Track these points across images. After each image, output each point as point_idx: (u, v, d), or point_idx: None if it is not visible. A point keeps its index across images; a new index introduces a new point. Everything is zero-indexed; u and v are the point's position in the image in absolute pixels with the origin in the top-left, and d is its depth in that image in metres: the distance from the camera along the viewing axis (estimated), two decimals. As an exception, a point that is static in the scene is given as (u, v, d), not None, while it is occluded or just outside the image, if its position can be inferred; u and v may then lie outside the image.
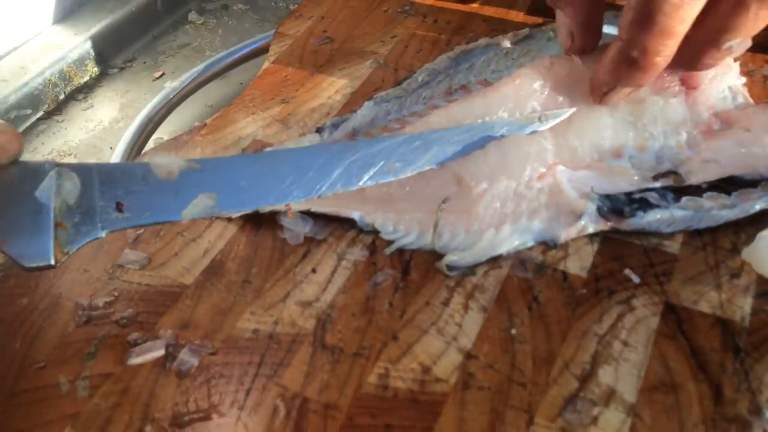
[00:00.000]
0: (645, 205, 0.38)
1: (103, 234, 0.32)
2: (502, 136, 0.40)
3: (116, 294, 0.38)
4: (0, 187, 0.31)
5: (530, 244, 0.39)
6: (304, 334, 0.35)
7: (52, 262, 0.30)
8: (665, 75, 0.46)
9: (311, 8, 0.60)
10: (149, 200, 0.34)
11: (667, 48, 0.36)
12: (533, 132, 0.41)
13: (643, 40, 0.36)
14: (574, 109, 0.42)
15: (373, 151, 0.38)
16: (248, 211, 0.41)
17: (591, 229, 0.38)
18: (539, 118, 0.42)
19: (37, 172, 0.32)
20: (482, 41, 0.52)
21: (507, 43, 0.50)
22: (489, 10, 0.58)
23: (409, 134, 0.39)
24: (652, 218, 0.38)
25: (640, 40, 0.36)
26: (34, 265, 0.30)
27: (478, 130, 0.40)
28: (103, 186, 0.33)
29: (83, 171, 0.33)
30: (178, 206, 0.34)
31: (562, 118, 0.41)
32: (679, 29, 0.35)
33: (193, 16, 0.70)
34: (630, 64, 0.37)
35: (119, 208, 0.33)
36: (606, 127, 0.42)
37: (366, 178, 0.37)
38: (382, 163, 0.37)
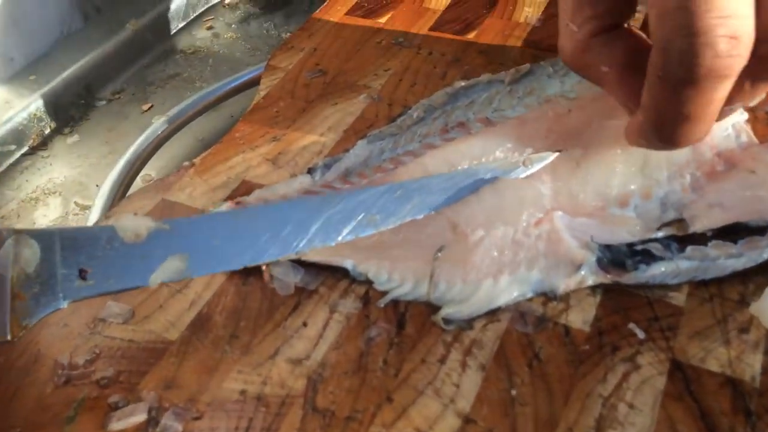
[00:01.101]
0: (648, 257, 0.36)
1: (65, 305, 0.31)
2: (488, 180, 0.39)
3: (97, 351, 0.36)
4: None
5: (529, 295, 0.37)
6: (294, 396, 0.34)
7: (8, 337, 0.29)
8: None
9: (303, 40, 0.59)
10: (115, 265, 0.32)
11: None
12: (526, 176, 0.40)
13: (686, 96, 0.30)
14: (556, 154, 0.41)
15: (353, 203, 0.37)
16: (223, 272, 0.39)
17: (591, 282, 0.37)
18: (523, 162, 0.41)
19: None
20: (484, 77, 0.50)
21: (508, 81, 0.49)
22: (485, 41, 0.56)
23: (389, 184, 0.38)
24: (656, 271, 0.36)
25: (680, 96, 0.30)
26: None
27: (460, 177, 0.39)
28: (65, 252, 0.31)
29: (43, 237, 0.31)
30: (146, 270, 0.33)
31: (546, 162, 0.40)
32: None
33: (183, 44, 0.68)
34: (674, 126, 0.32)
35: (82, 275, 0.32)
36: (615, 174, 0.41)
37: (345, 232, 0.36)
38: (362, 215, 0.36)
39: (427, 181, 0.39)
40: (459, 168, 0.42)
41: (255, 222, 0.35)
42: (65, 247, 0.31)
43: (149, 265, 0.33)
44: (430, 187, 0.38)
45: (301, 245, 0.35)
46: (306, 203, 0.37)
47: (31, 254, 0.30)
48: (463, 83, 0.50)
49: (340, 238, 0.36)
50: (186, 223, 0.35)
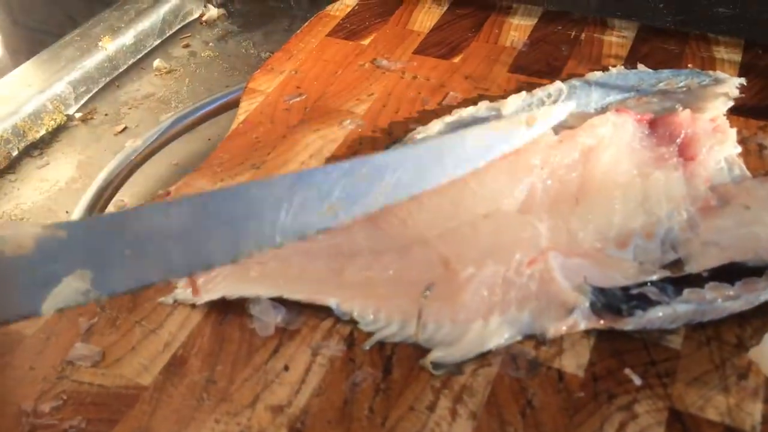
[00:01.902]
0: (644, 301, 0.35)
1: None
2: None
3: (65, 397, 0.34)
4: None
5: (518, 338, 0.36)
6: (275, 447, 0.32)
7: None
8: (663, 146, 0.44)
9: (283, 62, 0.57)
10: None
11: None
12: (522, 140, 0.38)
13: None
14: (572, 104, 0.39)
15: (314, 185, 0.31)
16: (135, 290, 0.32)
17: (583, 326, 0.35)
18: (527, 122, 0.39)
19: None
20: (482, 105, 0.49)
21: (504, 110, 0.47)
22: (470, 67, 0.55)
23: (355, 160, 0.34)
24: (653, 316, 0.35)
25: None
26: None
27: (438, 148, 0.37)
28: None
29: None
30: (37, 295, 0.26)
31: (557, 119, 0.38)
32: None
33: (158, 63, 0.66)
34: None
35: None
36: (615, 211, 0.39)
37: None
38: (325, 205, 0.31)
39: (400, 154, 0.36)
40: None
41: (181, 216, 0.28)
42: None
43: (40, 286, 0.26)
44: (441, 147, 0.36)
45: (245, 249, 0.29)
46: (248, 191, 0.30)
47: None
48: (461, 111, 0.49)
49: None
50: (88, 224, 0.28)
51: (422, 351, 0.35)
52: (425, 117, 0.50)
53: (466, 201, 0.40)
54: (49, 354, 0.36)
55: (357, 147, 0.49)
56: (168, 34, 0.70)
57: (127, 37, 0.67)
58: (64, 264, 0.26)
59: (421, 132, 0.46)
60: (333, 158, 0.48)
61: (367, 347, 0.36)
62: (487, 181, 0.40)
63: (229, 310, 0.38)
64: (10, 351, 0.36)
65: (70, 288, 0.26)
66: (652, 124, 0.45)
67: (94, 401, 0.34)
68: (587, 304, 0.35)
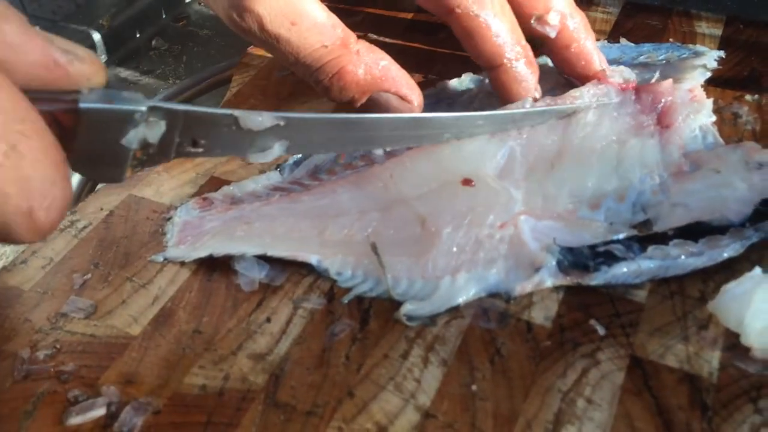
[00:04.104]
0: (610, 258, 0.37)
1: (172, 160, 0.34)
2: None
3: (58, 346, 0.36)
4: (88, 133, 0.29)
5: (483, 295, 0.37)
6: (255, 391, 0.34)
7: (122, 181, 0.32)
8: (643, 115, 0.45)
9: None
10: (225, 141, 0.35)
11: None
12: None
13: None
14: None
15: None
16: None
17: (549, 284, 0.37)
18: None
19: (125, 119, 0.30)
20: (465, 77, 0.50)
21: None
22: (456, 42, 0.56)
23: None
24: (617, 272, 0.36)
25: None
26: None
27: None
28: (187, 128, 0.33)
29: (170, 114, 0.32)
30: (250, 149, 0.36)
31: None
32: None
33: (157, 41, 0.68)
34: None
35: (195, 143, 0.34)
36: (590, 175, 0.41)
37: None
38: None
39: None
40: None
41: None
42: (187, 124, 0.33)
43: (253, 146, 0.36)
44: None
45: None
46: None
47: (157, 130, 0.32)
48: (454, 82, 0.50)
49: None
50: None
51: (398, 305, 0.37)
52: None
53: (447, 162, 0.42)
54: (45, 307, 0.38)
55: (344, 117, 0.50)
56: (166, 14, 0.72)
57: (127, 16, 0.68)
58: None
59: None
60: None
61: (346, 301, 0.38)
62: (467, 144, 0.42)
63: (216, 268, 0.40)
64: (8, 305, 0.38)
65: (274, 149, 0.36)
66: (636, 93, 0.46)
67: (85, 349, 0.36)
68: (554, 262, 0.37)
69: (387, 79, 0.43)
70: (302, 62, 0.42)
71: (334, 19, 0.42)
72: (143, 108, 0.30)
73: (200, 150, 0.34)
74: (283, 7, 0.40)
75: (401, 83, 0.44)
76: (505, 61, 0.44)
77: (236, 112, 0.34)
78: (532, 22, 0.45)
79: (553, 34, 0.45)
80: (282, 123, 0.36)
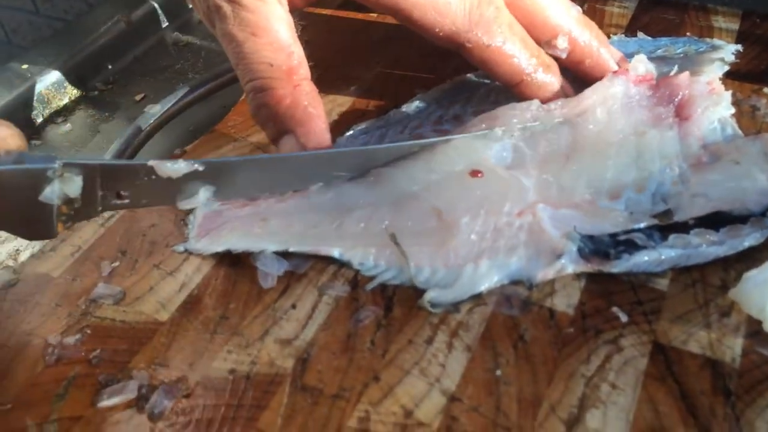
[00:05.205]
0: (631, 246, 0.37)
1: (101, 213, 0.37)
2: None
3: (88, 331, 0.37)
4: (6, 193, 0.33)
5: (506, 282, 0.37)
6: (283, 375, 0.34)
7: (55, 235, 0.35)
8: (661, 107, 0.45)
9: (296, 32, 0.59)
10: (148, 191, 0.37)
11: None
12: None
13: None
14: None
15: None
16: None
17: (570, 270, 0.37)
18: None
19: (39, 177, 0.33)
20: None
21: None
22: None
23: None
24: (639, 260, 0.37)
25: None
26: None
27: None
28: (105, 181, 0.35)
29: (87, 169, 0.35)
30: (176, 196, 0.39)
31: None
32: None
33: (175, 36, 0.69)
34: None
35: (119, 196, 0.36)
36: (608, 166, 0.41)
37: None
38: None
39: None
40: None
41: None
42: (105, 177, 0.35)
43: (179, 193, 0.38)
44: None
45: None
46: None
47: (73, 185, 0.34)
48: (472, 76, 0.51)
49: None
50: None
51: (422, 292, 0.37)
52: (430, 83, 0.52)
53: (442, 155, 0.42)
54: (74, 293, 0.39)
55: (364, 111, 0.51)
56: (185, 10, 0.73)
57: (145, 13, 0.69)
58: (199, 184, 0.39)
59: (419, 98, 0.49)
60: (340, 122, 0.50)
61: (369, 288, 0.38)
62: (464, 138, 0.42)
63: (241, 257, 0.40)
64: (39, 291, 0.39)
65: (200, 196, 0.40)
66: (654, 85, 0.47)
67: (115, 335, 0.37)
68: (575, 249, 0.37)
69: (302, 125, 0.41)
70: (243, 69, 0.42)
71: (296, 49, 0.42)
72: (55, 165, 0.33)
73: (126, 201, 0.36)
74: (251, 18, 0.41)
75: (312, 138, 0.42)
76: (524, 77, 0.44)
77: (151, 162, 0.36)
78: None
79: (564, 56, 0.46)
80: (201, 168, 0.37)
